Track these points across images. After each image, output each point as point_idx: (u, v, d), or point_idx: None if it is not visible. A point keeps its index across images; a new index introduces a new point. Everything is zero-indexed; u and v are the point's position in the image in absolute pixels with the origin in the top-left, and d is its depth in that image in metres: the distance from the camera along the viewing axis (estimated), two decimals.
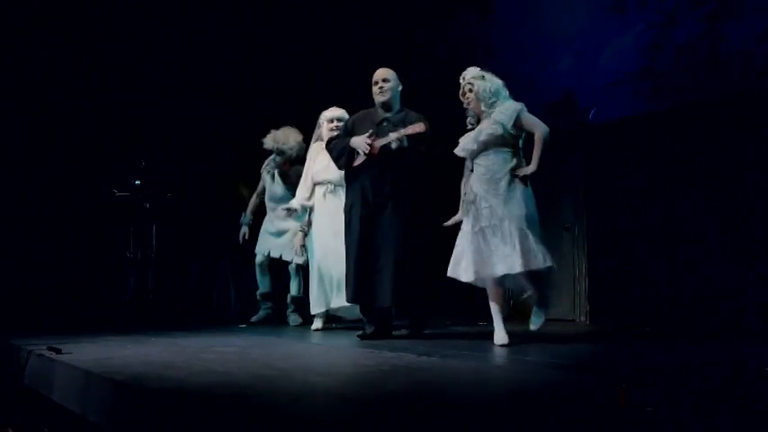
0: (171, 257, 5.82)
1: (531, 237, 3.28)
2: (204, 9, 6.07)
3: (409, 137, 3.76)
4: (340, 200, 4.28)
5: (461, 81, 3.60)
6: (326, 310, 4.44)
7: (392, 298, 3.75)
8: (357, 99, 4.58)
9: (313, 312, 4.47)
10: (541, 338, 3.27)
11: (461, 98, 3.60)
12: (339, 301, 4.27)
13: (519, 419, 1.68)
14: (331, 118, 4.57)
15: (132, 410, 2.10)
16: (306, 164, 4.71)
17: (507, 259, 3.26)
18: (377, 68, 4.11)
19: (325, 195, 4.53)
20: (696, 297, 4.51)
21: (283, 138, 5.04)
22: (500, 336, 3.38)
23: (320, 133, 4.65)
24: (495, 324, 3.44)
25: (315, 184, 4.60)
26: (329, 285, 4.37)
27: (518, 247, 3.25)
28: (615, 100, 4.94)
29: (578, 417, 1.72)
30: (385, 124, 3.93)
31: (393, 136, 3.78)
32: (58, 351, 2.93)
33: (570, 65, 5.21)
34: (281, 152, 5.06)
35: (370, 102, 4.53)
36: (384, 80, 3.99)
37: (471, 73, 3.58)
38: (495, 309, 3.46)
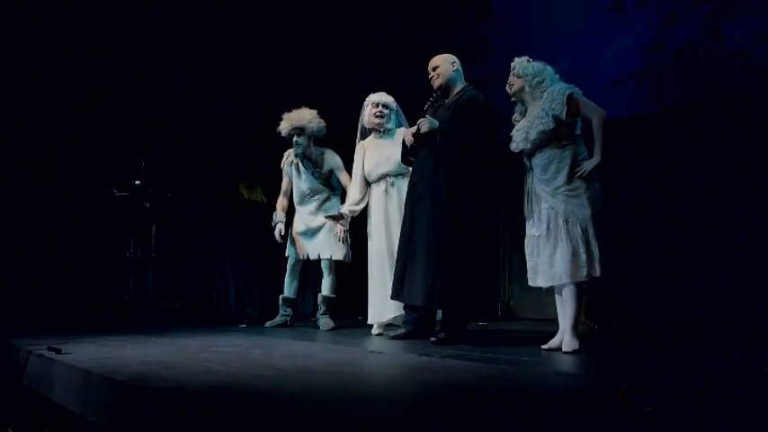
0: (171, 257, 5.82)
1: (594, 241, 3.03)
2: (206, 9, 6.06)
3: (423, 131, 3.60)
4: (403, 194, 4.02)
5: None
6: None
7: (422, 298, 3.47)
8: (357, 99, 4.58)
9: (371, 322, 4.16)
10: (540, 339, 3.27)
11: (507, 90, 3.36)
12: (397, 308, 3.98)
13: (519, 420, 1.68)
14: (376, 102, 4.28)
15: (132, 410, 2.10)
16: (354, 162, 4.36)
17: (570, 265, 3.03)
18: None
19: (387, 191, 4.17)
20: (696, 297, 4.50)
21: (297, 116, 4.65)
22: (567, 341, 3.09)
23: (362, 117, 4.37)
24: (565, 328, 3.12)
25: (371, 183, 4.28)
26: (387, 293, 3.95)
27: (582, 251, 3.02)
28: (615, 100, 4.93)
29: (578, 417, 1.71)
30: (437, 109, 3.72)
31: (408, 131, 3.76)
32: (58, 351, 2.93)
33: (570, 65, 5.20)
34: (301, 130, 4.63)
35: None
36: (433, 68, 3.80)
37: (516, 60, 3.33)
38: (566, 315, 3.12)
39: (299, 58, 6.39)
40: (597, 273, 3.03)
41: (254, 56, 6.29)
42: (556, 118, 3.10)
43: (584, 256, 3.03)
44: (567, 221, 3.08)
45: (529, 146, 3.20)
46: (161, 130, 5.87)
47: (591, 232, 3.05)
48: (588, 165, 3.09)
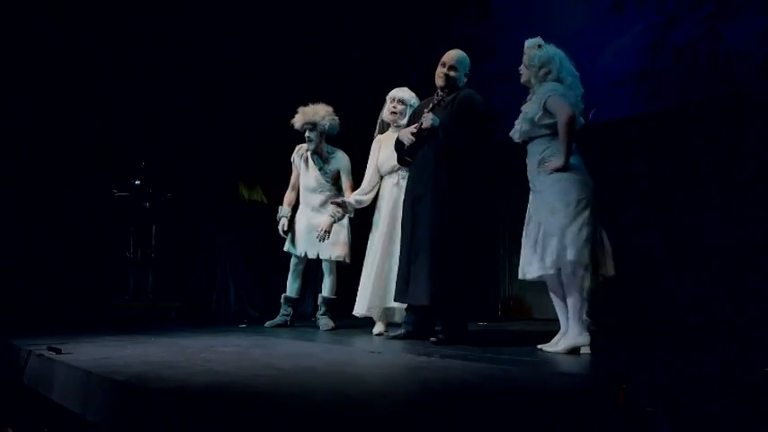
0: (171, 257, 5.81)
1: (554, 238, 3.00)
2: (205, 8, 6.06)
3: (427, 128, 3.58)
4: None
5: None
6: (383, 311, 4.09)
7: (428, 297, 3.45)
8: (356, 100, 4.58)
9: (355, 313, 4.12)
10: (540, 338, 3.27)
11: (520, 72, 3.35)
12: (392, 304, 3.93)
13: (519, 419, 1.68)
14: (393, 97, 4.26)
15: (132, 410, 2.10)
16: (370, 155, 4.34)
17: (533, 259, 3.08)
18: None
19: (398, 184, 4.09)
20: (696, 297, 4.51)
21: (312, 111, 4.60)
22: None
23: (382, 114, 4.36)
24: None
25: (383, 176, 4.24)
26: (381, 286, 3.99)
27: (539, 249, 3.05)
28: (615, 100, 4.94)
29: (578, 417, 1.71)
30: (433, 108, 3.69)
31: (406, 130, 3.74)
32: (58, 351, 2.93)
33: None
34: (313, 126, 4.59)
35: (370, 106, 4.52)
36: (450, 67, 3.73)
37: (528, 43, 3.29)
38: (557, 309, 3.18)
39: (299, 59, 6.39)
40: (571, 257, 2.96)
41: (254, 56, 6.29)
42: (531, 121, 3.14)
43: (555, 247, 3.00)
44: (536, 214, 3.12)
45: (517, 135, 3.23)
46: (161, 130, 5.86)
47: (561, 224, 3.00)
48: (552, 165, 3.07)
